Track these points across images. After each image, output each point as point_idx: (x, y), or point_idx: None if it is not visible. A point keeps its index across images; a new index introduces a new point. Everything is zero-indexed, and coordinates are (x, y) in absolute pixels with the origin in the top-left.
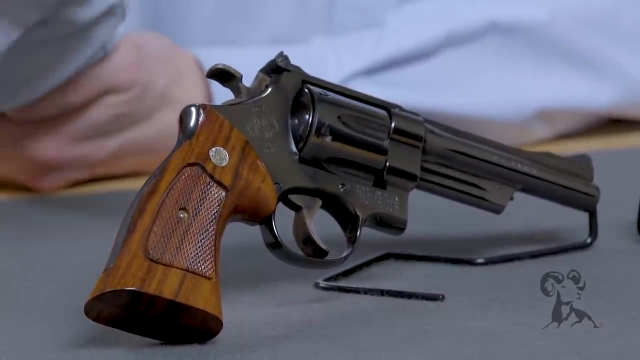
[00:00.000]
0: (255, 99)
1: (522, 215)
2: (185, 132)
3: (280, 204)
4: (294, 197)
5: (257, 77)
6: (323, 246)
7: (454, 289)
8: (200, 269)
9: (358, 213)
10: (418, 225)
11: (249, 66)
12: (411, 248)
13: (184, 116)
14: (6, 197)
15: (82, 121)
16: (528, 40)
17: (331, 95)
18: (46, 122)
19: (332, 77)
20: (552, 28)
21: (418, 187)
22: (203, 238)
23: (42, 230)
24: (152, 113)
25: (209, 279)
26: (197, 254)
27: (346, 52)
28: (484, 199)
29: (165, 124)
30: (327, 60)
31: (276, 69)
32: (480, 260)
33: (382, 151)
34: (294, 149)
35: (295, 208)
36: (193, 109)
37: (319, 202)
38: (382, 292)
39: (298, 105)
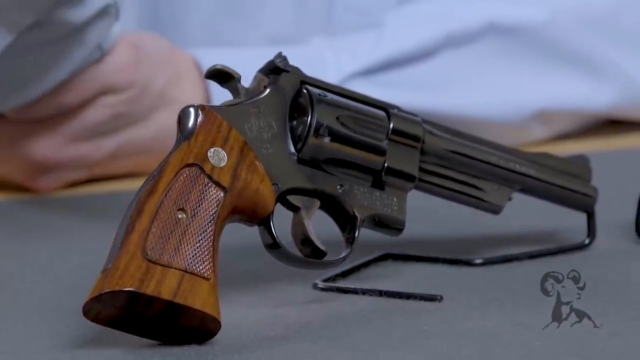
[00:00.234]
0: (254, 99)
1: (520, 215)
2: (183, 132)
3: (279, 205)
4: (292, 198)
5: (255, 77)
6: (321, 247)
7: (452, 289)
8: (198, 269)
9: (356, 214)
10: (416, 225)
11: (247, 67)
12: (409, 249)
13: (182, 117)
14: (3, 197)
15: (80, 121)
16: (527, 41)
17: (330, 96)
18: (43, 122)
19: (330, 77)
20: (551, 29)
21: (416, 187)
22: (201, 239)
23: (40, 231)
24: (150, 113)
25: (207, 279)
26: (196, 254)
27: (345, 52)
28: (482, 199)
29: (163, 124)
30: (326, 61)
31: (275, 70)
32: (478, 261)
33: (381, 152)
34: (292, 149)
35: (294, 209)
36: (191, 109)
37: (318, 203)
38: (381, 293)
39: (296, 106)
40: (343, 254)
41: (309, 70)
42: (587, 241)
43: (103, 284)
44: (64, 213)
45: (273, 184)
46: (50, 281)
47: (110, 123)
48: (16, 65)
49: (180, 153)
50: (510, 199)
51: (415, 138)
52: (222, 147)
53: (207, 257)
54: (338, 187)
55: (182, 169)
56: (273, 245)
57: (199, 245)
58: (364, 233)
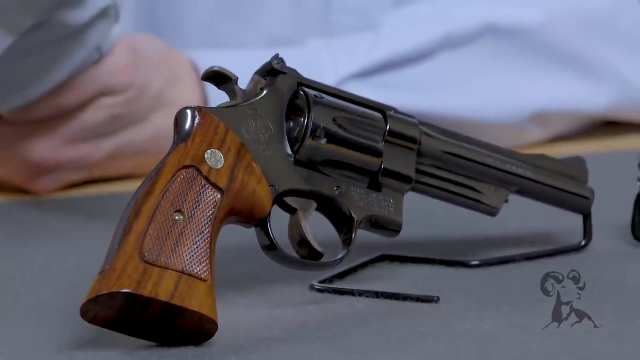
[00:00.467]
0: (251, 101)
1: (516, 217)
2: (180, 134)
3: (276, 206)
4: (289, 200)
5: (252, 79)
6: (318, 248)
7: (449, 290)
8: (195, 271)
9: (353, 215)
10: (413, 227)
11: (244, 68)
12: (406, 250)
13: (179, 118)
14: (2, 199)
15: (78, 123)
16: (524, 43)
17: (326, 97)
18: (42, 123)
19: (327, 79)
20: (548, 31)
21: (413, 189)
22: (198, 240)
23: (38, 232)
24: (147, 115)
25: (204, 281)
26: (193, 256)
27: (342, 54)
28: (479, 201)
29: (161, 125)
30: (323, 63)
31: (271, 71)
32: (475, 262)
33: (377, 153)
34: (289, 151)
35: (291, 210)
36: (188, 111)
37: (314, 205)
38: (377, 294)
39: (293, 107)
40: (340, 255)
41: (306, 72)
42: (583, 243)
43: (100, 286)
44: (63, 214)
45: (270, 186)
46: (48, 282)
47: (109, 124)
48: (16, 66)
49: (177, 155)
50: (506, 201)
51: (412, 139)
52: (219, 149)
53: (204, 258)
54: (335, 188)
55: (179, 170)
56: (270, 247)
57: (196, 247)
58: (361, 234)
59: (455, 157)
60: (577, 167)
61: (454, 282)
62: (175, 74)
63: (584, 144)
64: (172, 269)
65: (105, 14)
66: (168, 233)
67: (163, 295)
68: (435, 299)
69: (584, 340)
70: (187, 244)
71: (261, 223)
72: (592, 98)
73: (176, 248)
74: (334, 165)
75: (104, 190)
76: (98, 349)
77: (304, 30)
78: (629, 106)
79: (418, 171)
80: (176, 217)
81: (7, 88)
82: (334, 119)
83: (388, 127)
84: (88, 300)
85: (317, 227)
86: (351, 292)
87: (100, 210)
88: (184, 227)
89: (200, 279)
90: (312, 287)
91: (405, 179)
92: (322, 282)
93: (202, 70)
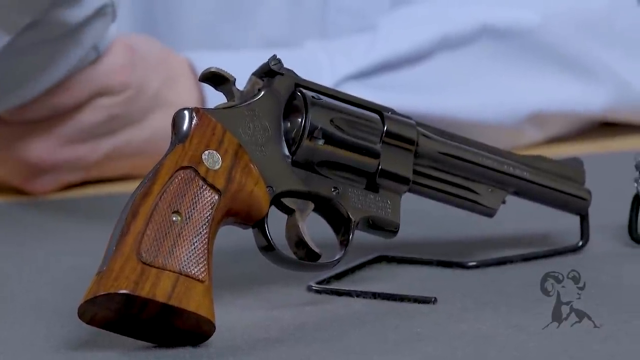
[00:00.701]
0: (248, 102)
1: (514, 218)
2: (178, 135)
3: (273, 207)
4: (286, 201)
5: (250, 80)
6: (316, 249)
7: (446, 291)
8: (193, 272)
9: (351, 216)
10: (410, 228)
11: (242, 69)
12: (404, 251)
13: (177, 119)
14: None
15: (75, 123)
16: (521, 44)
17: (324, 98)
18: (39, 124)
19: (325, 80)
20: (546, 32)
21: (410, 190)
22: (196, 241)
23: (35, 233)
24: (144, 115)
25: (202, 282)
26: (190, 257)
27: (339, 55)
28: (476, 202)
29: (158, 126)
30: (320, 64)
31: (269, 72)
32: (472, 263)
33: (375, 154)
34: (286, 152)
35: (288, 211)
36: (186, 112)
37: (312, 206)
38: (375, 295)
39: (291, 108)
40: (337, 256)
41: (303, 73)
42: (580, 244)
43: (98, 287)
44: (60, 215)
45: (267, 187)
46: (46, 282)
47: (106, 125)
48: (12, 65)
49: (175, 156)
50: (504, 202)
51: (409, 141)
52: (216, 150)
53: (202, 259)
54: (332, 189)
55: (176, 171)
56: (267, 248)
57: (194, 248)
58: (358, 235)
59: (453, 158)
60: (574, 168)
61: (452, 283)
62: (173, 75)
63: (582, 145)
64: (170, 270)
65: (102, 13)
66: (166, 234)
67: (160, 296)
68: (433, 300)
69: (581, 342)
70: (184, 245)
71: (259, 224)
72: (590, 99)
73: (174, 249)
74: (332, 167)
75: (101, 191)
76: (96, 349)
77: (301, 31)
78: (627, 107)
79: (415, 172)
80: (174, 218)
81: (3, 87)
82: (331, 120)
83: (385, 128)
84: (86, 301)
85: (315, 228)
86: (349, 293)
87: (98, 211)
88: (181, 228)
89: (198, 280)
90: (309, 288)
91: (403, 180)
92: (319, 283)
93: (199, 71)
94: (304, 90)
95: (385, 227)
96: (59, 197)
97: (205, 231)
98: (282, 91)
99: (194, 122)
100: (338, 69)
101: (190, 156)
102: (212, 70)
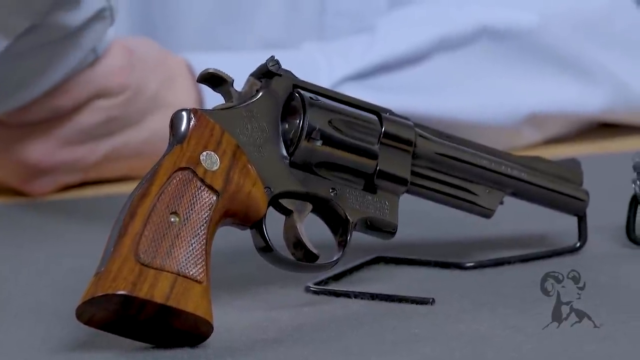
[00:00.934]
0: (246, 103)
1: (511, 219)
2: (176, 136)
3: (271, 208)
4: (284, 202)
5: (247, 81)
6: (313, 250)
7: (444, 292)
8: (191, 273)
9: (349, 217)
10: (408, 229)
11: (240, 70)
12: (401, 252)
13: (175, 120)
14: None
15: (73, 125)
16: (520, 45)
17: (322, 99)
18: (37, 125)
19: (322, 81)
20: (544, 33)
21: (408, 191)
22: (194, 242)
23: (34, 234)
24: (143, 117)
25: (200, 282)
26: (188, 258)
27: (337, 56)
28: (474, 203)
29: (156, 128)
30: (318, 65)
31: (267, 74)
32: (470, 264)
33: (373, 155)
34: (284, 153)
35: (286, 212)
36: (184, 113)
37: (310, 207)
38: (373, 296)
39: (289, 109)
40: (335, 257)
41: (301, 74)
42: (578, 244)
43: (96, 288)
44: (59, 216)
45: (265, 188)
46: (44, 284)
47: (104, 126)
48: (11, 68)
49: (173, 157)
50: (501, 203)
51: (407, 142)
52: (214, 151)
53: (200, 260)
54: (330, 190)
55: (174, 172)
56: (265, 249)
57: (192, 249)
58: (356, 236)
59: (451, 159)
60: (572, 169)
61: (449, 284)
62: (171, 76)
63: (580, 146)
64: (168, 271)
65: (101, 16)
66: (164, 235)
67: (159, 297)
68: (431, 300)
69: (579, 342)
70: (182, 246)
71: (257, 225)
72: (588, 100)
73: (172, 250)
74: (330, 168)
75: (99, 193)
76: (94, 350)
77: (299, 33)
78: (624, 108)
79: (413, 173)
80: (172, 219)
81: (3, 91)
82: (329, 121)
83: (383, 129)
84: (84, 302)
85: (313, 229)
86: (347, 294)
87: (96, 212)
88: (179, 229)
89: (196, 280)
90: (307, 289)
91: (401, 181)
92: (317, 284)
93: (197, 73)
94: (302, 91)
95: (383, 228)
96: (57, 199)
97: (203, 232)
98: (280, 92)
99: (192, 123)
100: (336, 70)
101: (188, 157)
102: (210, 71)
